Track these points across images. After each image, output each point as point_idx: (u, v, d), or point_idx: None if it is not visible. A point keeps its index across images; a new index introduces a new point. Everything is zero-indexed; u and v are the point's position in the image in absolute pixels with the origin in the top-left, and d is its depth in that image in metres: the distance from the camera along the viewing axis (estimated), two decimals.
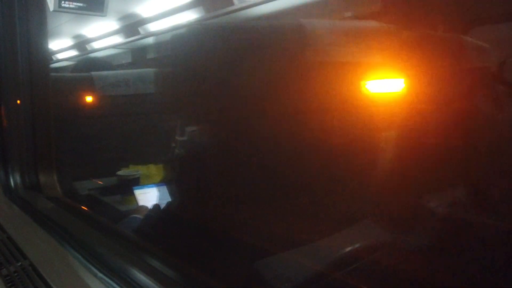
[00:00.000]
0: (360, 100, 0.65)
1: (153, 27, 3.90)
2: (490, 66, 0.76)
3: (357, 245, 0.78)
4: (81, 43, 5.22)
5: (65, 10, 1.28)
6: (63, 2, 1.25)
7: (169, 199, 0.86)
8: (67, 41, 5.33)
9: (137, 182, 1.45)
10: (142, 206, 1.30)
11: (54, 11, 1.26)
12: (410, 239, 0.86)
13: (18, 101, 1.20)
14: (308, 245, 0.73)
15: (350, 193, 0.77)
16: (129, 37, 4.09)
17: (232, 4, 2.67)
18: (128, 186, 1.40)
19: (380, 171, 0.75)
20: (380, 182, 0.71)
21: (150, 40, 3.80)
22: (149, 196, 1.35)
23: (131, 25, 3.97)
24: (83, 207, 1.13)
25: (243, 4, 2.53)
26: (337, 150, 0.73)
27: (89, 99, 1.60)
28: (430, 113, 0.64)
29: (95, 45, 5.05)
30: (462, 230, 0.87)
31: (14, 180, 1.21)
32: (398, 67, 0.56)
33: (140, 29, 3.97)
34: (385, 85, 0.58)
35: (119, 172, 1.47)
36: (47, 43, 1.25)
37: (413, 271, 0.79)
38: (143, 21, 3.88)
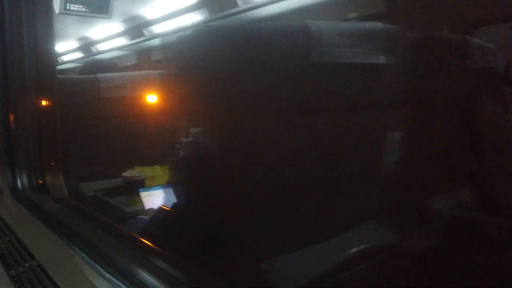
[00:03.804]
0: None
1: (157, 29, 3.91)
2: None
3: (362, 247, 0.78)
4: (86, 45, 5.25)
5: (70, 12, 1.28)
6: (68, 4, 1.26)
7: (175, 200, 0.87)
8: (73, 43, 5.36)
9: (142, 183, 1.45)
10: (148, 207, 1.31)
11: (59, 13, 1.27)
12: (414, 240, 0.86)
13: (25, 103, 1.21)
14: (313, 246, 0.73)
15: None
16: (134, 38, 4.10)
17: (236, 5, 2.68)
18: (134, 187, 1.41)
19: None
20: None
21: (155, 41, 3.81)
22: (155, 197, 1.35)
23: (136, 27, 3.99)
24: (89, 208, 1.14)
25: (247, 6, 2.53)
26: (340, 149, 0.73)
27: (94, 100, 1.61)
28: None
29: (100, 46, 5.08)
30: (467, 231, 0.86)
31: (21, 181, 1.22)
32: None
33: (144, 31, 3.99)
34: None
35: (125, 173, 1.48)
36: (53, 45, 1.26)
37: (416, 272, 0.79)
38: (147, 23, 3.90)
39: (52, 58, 1.29)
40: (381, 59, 0.69)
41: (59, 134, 1.26)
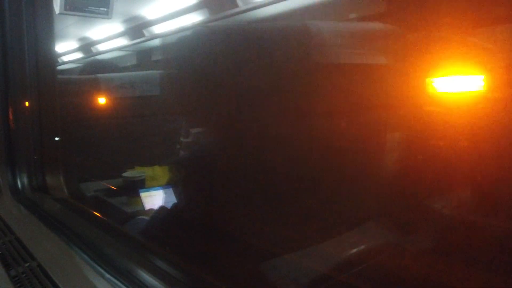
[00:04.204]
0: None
1: (157, 29, 3.91)
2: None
3: (361, 247, 0.78)
4: (86, 45, 5.25)
5: (70, 13, 1.28)
6: (68, 5, 1.26)
7: (175, 201, 0.87)
8: (73, 44, 5.36)
9: (142, 183, 1.45)
10: (148, 208, 1.30)
11: (60, 14, 1.27)
12: (414, 241, 0.86)
13: (26, 103, 1.21)
14: (313, 247, 0.73)
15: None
16: (134, 39, 4.10)
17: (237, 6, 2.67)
18: (134, 187, 1.41)
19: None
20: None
21: (156, 42, 3.81)
22: (155, 198, 1.35)
23: (136, 28, 3.99)
24: (89, 208, 1.14)
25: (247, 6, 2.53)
26: (347, 152, 0.73)
27: (95, 101, 1.61)
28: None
29: (101, 47, 5.08)
30: (467, 232, 0.86)
31: (21, 181, 1.22)
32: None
33: (145, 31, 3.99)
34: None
35: (125, 174, 1.48)
36: (54, 46, 1.26)
37: (417, 273, 0.79)
38: (147, 24, 3.90)
39: (52, 59, 1.29)
40: (381, 59, 0.69)
41: (59, 134, 1.26)
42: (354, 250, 0.76)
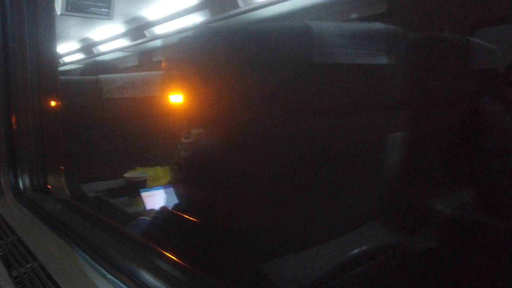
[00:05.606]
0: None
1: (158, 30, 3.92)
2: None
3: (364, 247, 0.78)
4: (88, 46, 5.26)
5: (72, 14, 1.29)
6: (69, 6, 1.27)
7: (176, 201, 0.87)
8: (75, 44, 5.37)
9: (144, 184, 1.45)
10: (150, 208, 1.31)
11: (61, 14, 1.27)
12: (416, 241, 0.86)
13: (27, 104, 1.22)
14: (315, 247, 0.73)
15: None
16: (135, 39, 4.11)
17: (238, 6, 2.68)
18: (135, 188, 1.41)
19: None
20: None
21: (156, 42, 3.82)
22: (156, 198, 1.36)
23: (137, 28, 4.00)
24: (91, 209, 1.14)
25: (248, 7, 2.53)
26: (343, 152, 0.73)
27: (96, 101, 1.61)
28: None
29: (102, 48, 5.09)
30: (468, 232, 0.86)
31: (23, 182, 1.22)
32: None
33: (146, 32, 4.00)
34: None
35: (126, 174, 1.48)
36: (55, 47, 1.27)
37: (418, 273, 0.79)
38: (149, 24, 3.90)
39: (54, 59, 1.29)
40: (383, 60, 0.69)
41: (61, 135, 1.26)
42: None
